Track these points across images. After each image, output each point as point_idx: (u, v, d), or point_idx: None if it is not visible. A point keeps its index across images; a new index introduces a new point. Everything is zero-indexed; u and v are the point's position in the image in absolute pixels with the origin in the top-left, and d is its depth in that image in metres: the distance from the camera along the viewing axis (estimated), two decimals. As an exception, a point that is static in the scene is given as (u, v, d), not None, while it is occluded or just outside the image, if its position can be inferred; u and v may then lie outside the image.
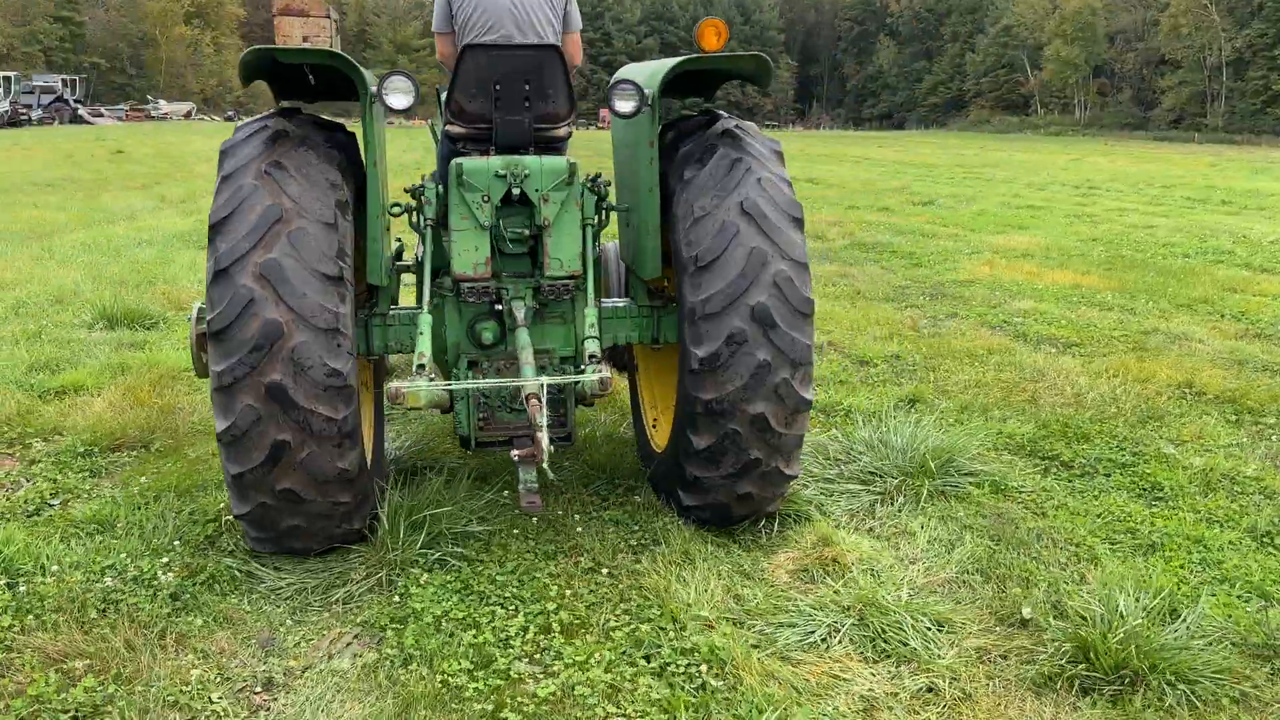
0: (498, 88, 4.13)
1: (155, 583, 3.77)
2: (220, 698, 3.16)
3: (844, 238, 14.04)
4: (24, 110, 57.37)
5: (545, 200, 4.09)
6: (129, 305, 8.31)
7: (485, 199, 4.04)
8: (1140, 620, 3.38)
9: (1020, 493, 4.83)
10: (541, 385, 3.68)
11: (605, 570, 3.97)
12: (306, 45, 3.99)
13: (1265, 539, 4.34)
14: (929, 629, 3.55)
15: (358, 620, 3.62)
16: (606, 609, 3.67)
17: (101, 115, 65.54)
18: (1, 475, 4.93)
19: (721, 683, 3.21)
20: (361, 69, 3.84)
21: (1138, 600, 3.56)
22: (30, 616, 3.53)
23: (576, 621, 3.58)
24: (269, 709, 3.14)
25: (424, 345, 3.92)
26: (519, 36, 4.56)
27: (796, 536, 4.28)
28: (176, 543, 4.08)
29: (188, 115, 75.24)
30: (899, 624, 3.54)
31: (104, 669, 3.23)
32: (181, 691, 3.16)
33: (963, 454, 5.00)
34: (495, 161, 4.06)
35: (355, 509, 3.95)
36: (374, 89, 3.83)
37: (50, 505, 4.58)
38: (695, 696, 3.14)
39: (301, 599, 3.79)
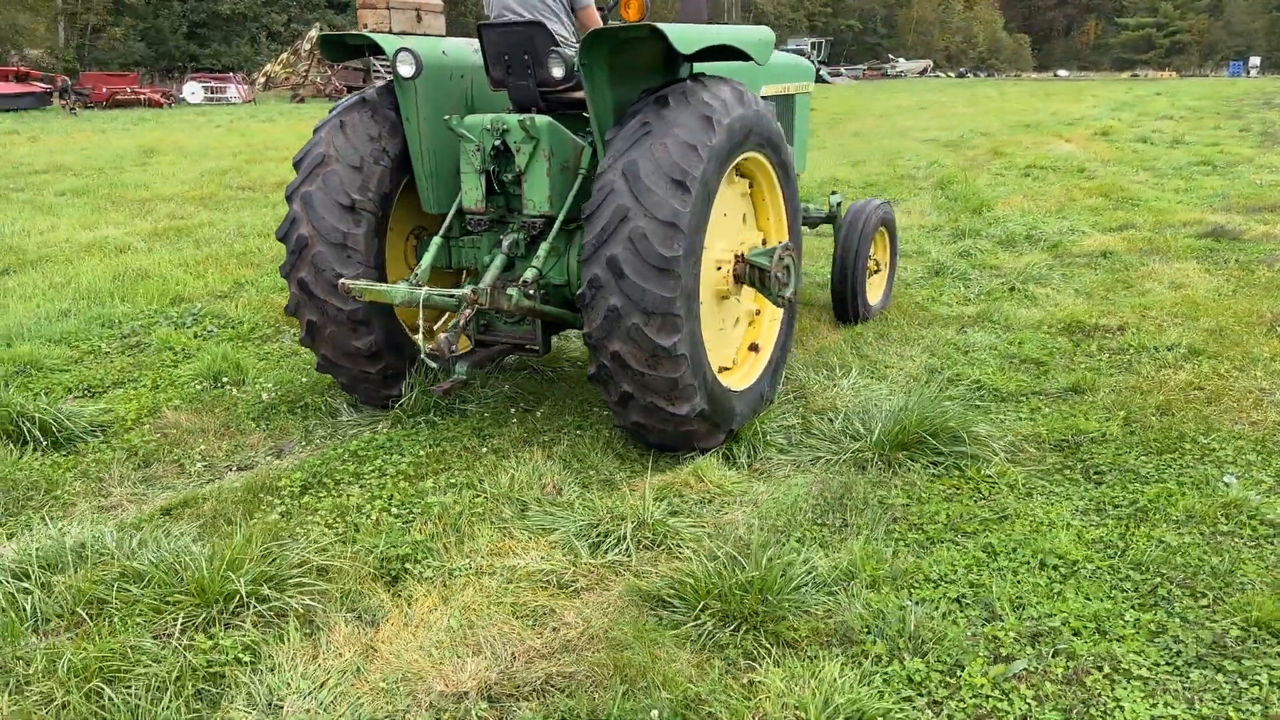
0: (506, 59, 5.18)
1: (261, 399, 5.70)
2: (200, 463, 4.96)
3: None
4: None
5: (518, 151, 5.05)
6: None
7: (478, 149, 5.13)
8: (774, 575, 3.54)
9: (974, 479, 4.59)
10: (426, 296, 4.76)
11: (489, 451, 4.96)
12: (367, 30, 5.46)
13: (1128, 576, 3.74)
14: (639, 542, 4.01)
15: (333, 445, 5.15)
16: (446, 474, 4.71)
17: (840, 75, 71.75)
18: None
19: (404, 525, 4.18)
20: (388, 48, 5.16)
21: (818, 565, 3.66)
22: (186, 400, 5.70)
23: (417, 474, 4.70)
24: (219, 477, 4.85)
25: (425, 260, 5.19)
26: (518, 17, 5.46)
27: (686, 467, 4.73)
28: (303, 379, 5.98)
29: (923, 73, 78.49)
30: (614, 533, 4.05)
31: (170, 433, 5.24)
32: (185, 454, 5.03)
33: (951, 433, 4.83)
34: (486, 118, 5.12)
35: (387, 379, 5.44)
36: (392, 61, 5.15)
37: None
38: (390, 528, 4.15)
39: (342, 431, 5.41)
